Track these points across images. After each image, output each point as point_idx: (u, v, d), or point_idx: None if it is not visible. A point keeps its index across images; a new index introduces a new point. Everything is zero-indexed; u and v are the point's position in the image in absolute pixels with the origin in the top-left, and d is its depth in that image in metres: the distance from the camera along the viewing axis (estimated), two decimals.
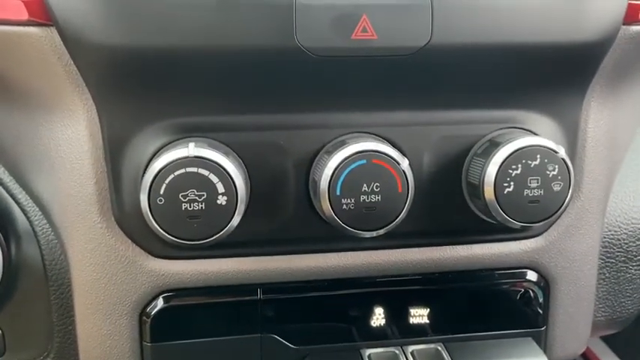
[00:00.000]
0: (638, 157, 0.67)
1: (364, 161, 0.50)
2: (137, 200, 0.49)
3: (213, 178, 0.48)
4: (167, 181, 0.47)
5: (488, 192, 0.52)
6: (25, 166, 0.56)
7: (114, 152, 0.52)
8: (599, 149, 0.60)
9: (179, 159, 0.47)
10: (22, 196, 0.57)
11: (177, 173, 0.47)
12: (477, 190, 0.53)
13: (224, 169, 0.48)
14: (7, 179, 0.57)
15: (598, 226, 0.63)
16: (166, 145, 0.51)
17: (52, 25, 0.48)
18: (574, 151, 0.59)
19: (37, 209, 0.57)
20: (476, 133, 0.56)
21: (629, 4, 0.55)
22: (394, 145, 0.53)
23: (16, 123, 0.55)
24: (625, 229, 0.65)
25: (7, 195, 0.57)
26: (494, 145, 0.53)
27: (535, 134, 0.56)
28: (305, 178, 0.54)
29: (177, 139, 0.52)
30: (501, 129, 0.56)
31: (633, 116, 0.65)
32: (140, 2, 0.47)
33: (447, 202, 0.56)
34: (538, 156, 0.52)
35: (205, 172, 0.47)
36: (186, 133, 0.52)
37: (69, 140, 0.53)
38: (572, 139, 0.59)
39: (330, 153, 0.51)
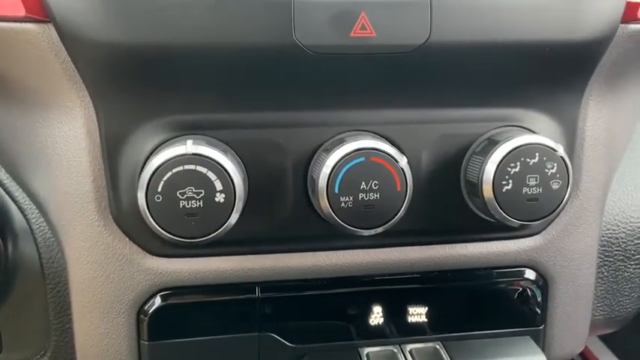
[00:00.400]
0: (636, 155, 0.67)
1: (363, 159, 0.49)
2: (135, 198, 0.49)
3: (212, 175, 0.47)
4: (165, 179, 0.47)
5: (487, 190, 0.52)
6: (22, 164, 0.56)
7: (111, 150, 0.52)
8: (597, 148, 0.60)
9: (177, 156, 0.47)
10: (19, 194, 0.57)
11: (175, 171, 0.47)
12: (475, 188, 0.53)
13: (222, 167, 0.47)
14: (4, 177, 0.57)
15: (596, 225, 0.63)
16: (164, 142, 0.51)
17: (49, 22, 0.48)
18: (572, 150, 0.59)
19: (34, 207, 0.56)
20: (474, 131, 0.56)
21: (628, 2, 0.55)
22: (393, 143, 0.53)
23: (12, 120, 0.55)
24: (623, 227, 0.65)
25: (3, 193, 0.57)
26: (492, 144, 0.53)
27: (533, 132, 0.56)
28: (303, 176, 0.54)
29: (175, 137, 0.51)
30: (500, 127, 0.56)
31: (632, 114, 0.65)
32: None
33: (446, 200, 0.56)
34: (537, 154, 0.52)
35: (203, 170, 0.47)
36: (185, 130, 0.52)
37: (66, 138, 0.52)
38: (571, 137, 0.59)
39: (329, 151, 0.51)
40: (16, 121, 0.55)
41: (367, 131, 0.54)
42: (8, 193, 0.57)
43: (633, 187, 0.66)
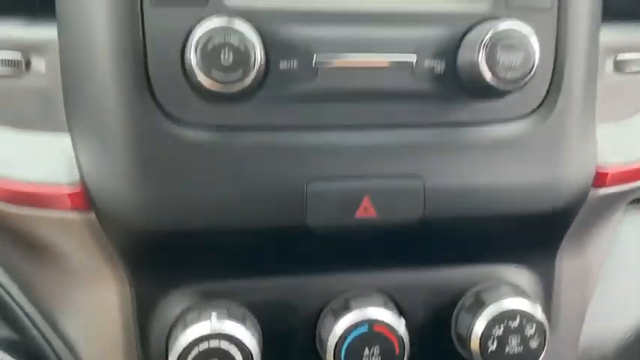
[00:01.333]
0: (608, 281, 0.74)
1: (366, 328, 0.56)
2: (162, 357, 0.55)
3: (233, 349, 0.54)
4: (192, 355, 0.53)
5: (474, 345, 0.59)
6: (61, 321, 0.62)
7: (141, 315, 0.58)
8: (572, 289, 0.68)
9: (203, 336, 0.53)
10: (54, 339, 0.63)
11: (201, 348, 0.53)
12: (464, 341, 0.60)
13: (242, 342, 0.54)
14: (41, 324, 0.63)
15: (573, 353, 0.70)
16: (190, 307, 0.58)
17: (91, 212, 0.55)
18: (550, 294, 0.66)
19: (68, 352, 0.62)
20: (464, 286, 0.63)
21: (598, 172, 0.63)
22: (391, 298, 0.60)
23: (50, 280, 0.61)
24: (597, 351, 0.72)
25: (42, 339, 0.63)
26: (479, 303, 0.60)
27: (516, 288, 0.62)
28: (312, 332, 0.60)
29: (200, 302, 0.58)
30: (486, 281, 0.63)
31: (603, 254, 0.72)
32: (171, 194, 0.53)
33: (438, 350, 0.63)
34: (518, 316, 0.59)
35: (226, 345, 0.54)
36: (207, 297, 0.58)
37: (99, 302, 0.59)
38: (549, 284, 0.66)
39: (335, 313, 0.58)
40: (54, 280, 0.61)
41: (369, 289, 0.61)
42: (44, 337, 0.63)
43: (607, 312, 0.73)
